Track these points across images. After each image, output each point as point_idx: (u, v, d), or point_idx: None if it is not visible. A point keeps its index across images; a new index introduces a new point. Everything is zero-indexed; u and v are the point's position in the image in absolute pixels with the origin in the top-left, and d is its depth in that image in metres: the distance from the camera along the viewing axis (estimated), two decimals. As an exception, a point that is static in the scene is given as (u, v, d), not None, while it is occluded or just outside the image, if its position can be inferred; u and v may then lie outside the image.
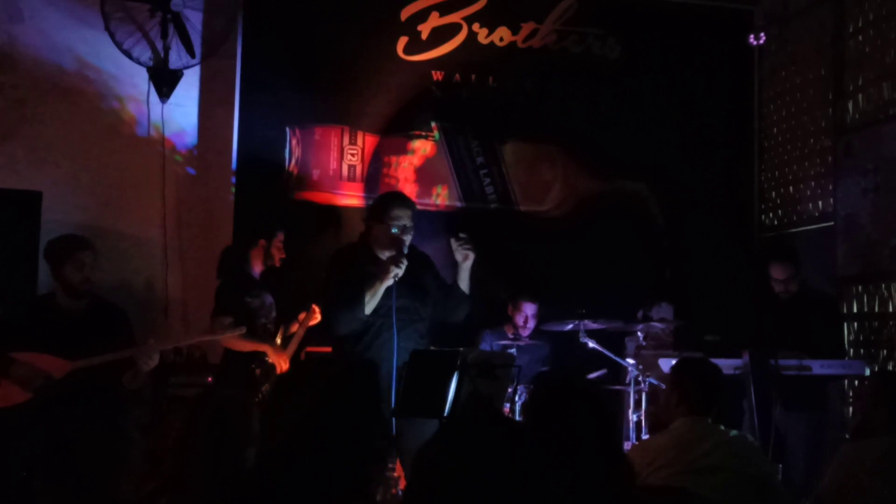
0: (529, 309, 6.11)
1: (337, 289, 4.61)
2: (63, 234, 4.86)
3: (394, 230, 4.54)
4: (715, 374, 3.70)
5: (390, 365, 4.36)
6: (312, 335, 5.37)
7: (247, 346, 5.03)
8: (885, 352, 5.91)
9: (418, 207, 4.90)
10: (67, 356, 4.39)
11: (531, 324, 6.11)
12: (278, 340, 5.23)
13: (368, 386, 2.05)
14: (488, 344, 5.96)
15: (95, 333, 4.52)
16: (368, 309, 4.48)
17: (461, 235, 4.64)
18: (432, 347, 4.64)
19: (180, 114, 6.24)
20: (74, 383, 4.36)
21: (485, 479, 1.64)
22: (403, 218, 4.57)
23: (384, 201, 4.77)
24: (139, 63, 6.03)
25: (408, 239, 4.59)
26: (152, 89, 6.10)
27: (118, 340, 4.56)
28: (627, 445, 5.11)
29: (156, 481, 2.37)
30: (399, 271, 4.43)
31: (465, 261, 4.64)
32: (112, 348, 4.46)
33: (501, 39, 6.79)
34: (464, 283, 4.69)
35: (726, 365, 4.95)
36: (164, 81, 6.08)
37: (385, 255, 4.55)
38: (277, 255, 5.32)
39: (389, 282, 4.44)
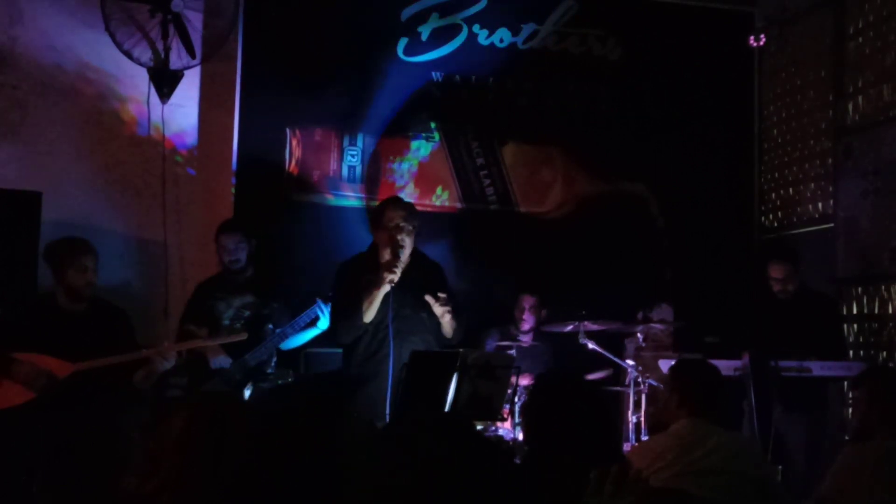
0: (527, 302, 6.14)
1: (337, 298, 4.62)
2: (64, 236, 4.86)
3: (390, 232, 4.52)
4: (715, 375, 3.70)
5: (387, 379, 4.34)
6: (314, 340, 5.39)
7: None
8: (884, 353, 5.91)
9: (418, 209, 4.89)
10: (68, 357, 4.39)
11: (528, 317, 6.11)
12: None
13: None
14: (493, 345, 5.96)
15: (96, 334, 4.54)
16: (367, 317, 4.45)
17: (440, 295, 4.51)
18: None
19: (181, 114, 6.24)
20: (76, 384, 4.37)
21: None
22: (396, 218, 4.54)
23: (379, 206, 4.80)
24: (139, 64, 6.03)
25: (405, 241, 4.54)
26: (153, 90, 6.09)
27: (120, 342, 4.57)
28: (627, 447, 5.11)
29: (156, 481, 2.37)
30: (394, 277, 4.39)
31: (443, 317, 4.54)
32: (113, 349, 4.47)
33: (502, 40, 6.79)
34: (444, 330, 4.61)
35: (726, 366, 4.96)
36: (165, 82, 6.07)
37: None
38: (224, 260, 5.26)
39: (386, 288, 4.40)
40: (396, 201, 4.77)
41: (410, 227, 4.56)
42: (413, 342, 4.52)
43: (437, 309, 4.49)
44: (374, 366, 4.48)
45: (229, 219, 5.72)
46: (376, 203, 6.39)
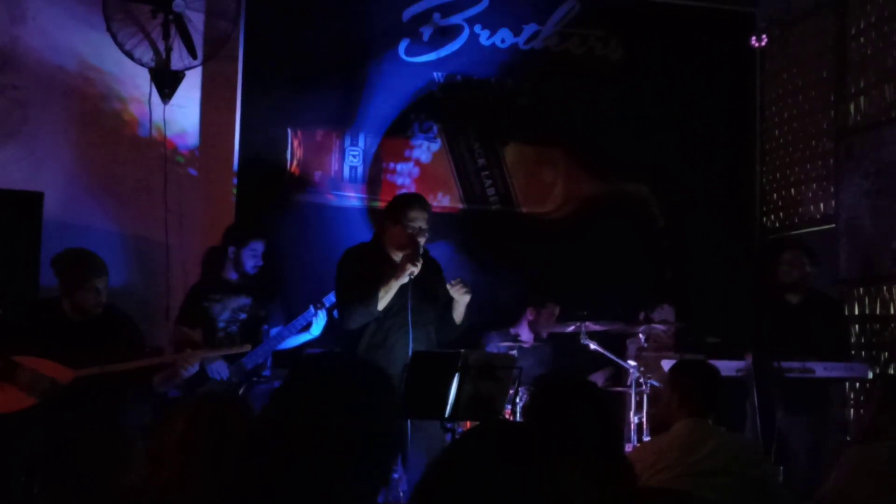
0: (556, 310, 6.15)
1: (350, 284, 4.61)
2: (75, 248, 4.82)
3: (409, 231, 4.54)
4: (715, 375, 3.70)
5: (403, 366, 4.35)
6: (313, 340, 5.39)
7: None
8: (886, 354, 5.90)
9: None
10: (71, 362, 4.38)
11: (554, 324, 6.14)
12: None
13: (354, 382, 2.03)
14: (494, 346, 5.96)
15: (100, 340, 4.52)
16: (381, 305, 4.48)
17: (460, 279, 4.62)
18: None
19: (182, 115, 6.24)
20: (79, 388, 4.36)
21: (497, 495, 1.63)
22: (419, 220, 4.58)
23: (402, 203, 4.76)
24: (141, 64, 6.03)
25: (422, 241, 4.59)
26: (154, 90, 6.09)
27: (123, 347, 4.56)
28: (628, 447, 5.11)
29: (158, 481, 2.37)
30: (415, 269, 4.44)
31: (462, 298, 4.61)
32: (117, 355, 4.46)
33: (503, 41, 6.79)
34: (457, 315, 4.67)
35: (728, 367, 4.96)
36: (166, 82, 6.07)
37: (399, 255, 4.56)
38: (249, 264, 5.27)
39: (405, 279, 4.44)
40: (421, 202, 4.75)
41: (427, 228, 4.62)
42: (422, 332, 4.55)
43: (458, 291, 4.55)
44: (378, 356, 4.48)
45: (250, 224, 5.71)
46: (378, 202, 6.41)
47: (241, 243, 5.28)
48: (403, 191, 6.46)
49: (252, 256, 5.28)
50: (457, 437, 3.38)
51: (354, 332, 4.59)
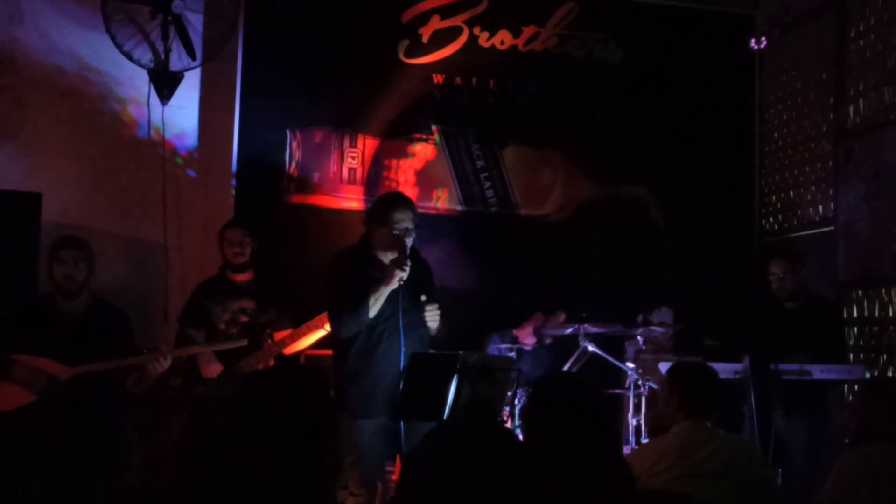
0: (563, 317, 6.16)
1: (340, 292, 4.53)
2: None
3: (396, 232, 4.49)
4: (712, 377, 3.71)
5: (396, 370, 4.33)
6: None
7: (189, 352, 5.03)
8: (885, 357, 5.90)
9: (418, 211, 4.87)
10: (67, 359, 4.37)
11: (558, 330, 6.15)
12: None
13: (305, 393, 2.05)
14: (494, 347, 5.96)
15: (95, 336, 4.52)
16: (372, 313, 4.43)
17: (426, 303, 4.54)
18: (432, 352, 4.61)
19: (181, 116, 6.23)
20: (77, 387, 4.35)
21: (473, 487, 1.65)
22: (405, 220, 4.51)
23: (385, 203, 4.67)
24: (140, 65, 6.02)
25: (410, 241, 4.54)
26: (153, 91, 6.09)
27: (118, 344, 4.56)
28: (627, 449, 5.11)
29: (157, 482, 2.37)
30: (404, 275, 4.39)
31: (430, 321, 4.55)
32: (112, 352, 4.46)
33: (502, 43, 6.79)
34: (430, 328, 4.61)
35: (726, 369, 4.96)
36: (165, 83, 6.07)
37: (387, 257, 4.49)
38: (228, 253, 5.27)
39: (394, 285, 4.40)
40: (405, 202, 4.66)
41: (414, 228, 4.56)
42: (414, 336, 4.50)
43: (428, 314, 4.51)
44: (371, 361, 4.44)
45: (236, 216, 5.78)
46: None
47: (220, 240, 5.32)
48: (402, 193, 6.45)
49: (228, 246, 5.27)
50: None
51: (347, 338, 4.55)
